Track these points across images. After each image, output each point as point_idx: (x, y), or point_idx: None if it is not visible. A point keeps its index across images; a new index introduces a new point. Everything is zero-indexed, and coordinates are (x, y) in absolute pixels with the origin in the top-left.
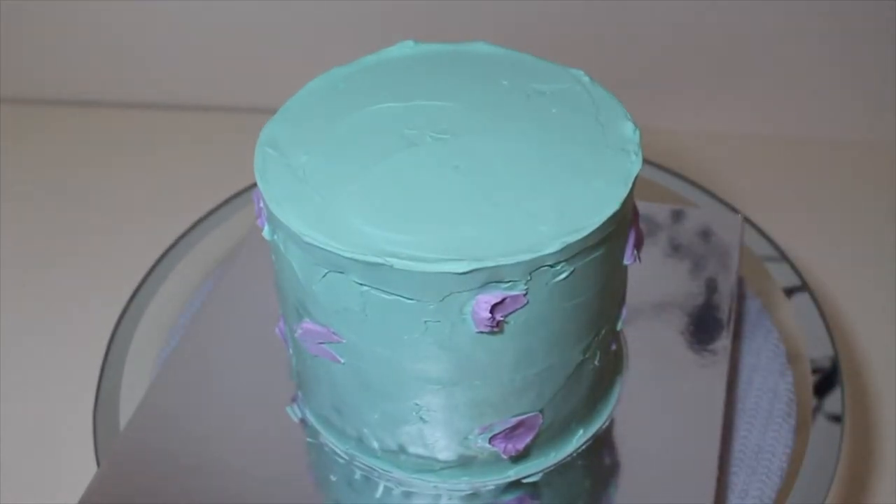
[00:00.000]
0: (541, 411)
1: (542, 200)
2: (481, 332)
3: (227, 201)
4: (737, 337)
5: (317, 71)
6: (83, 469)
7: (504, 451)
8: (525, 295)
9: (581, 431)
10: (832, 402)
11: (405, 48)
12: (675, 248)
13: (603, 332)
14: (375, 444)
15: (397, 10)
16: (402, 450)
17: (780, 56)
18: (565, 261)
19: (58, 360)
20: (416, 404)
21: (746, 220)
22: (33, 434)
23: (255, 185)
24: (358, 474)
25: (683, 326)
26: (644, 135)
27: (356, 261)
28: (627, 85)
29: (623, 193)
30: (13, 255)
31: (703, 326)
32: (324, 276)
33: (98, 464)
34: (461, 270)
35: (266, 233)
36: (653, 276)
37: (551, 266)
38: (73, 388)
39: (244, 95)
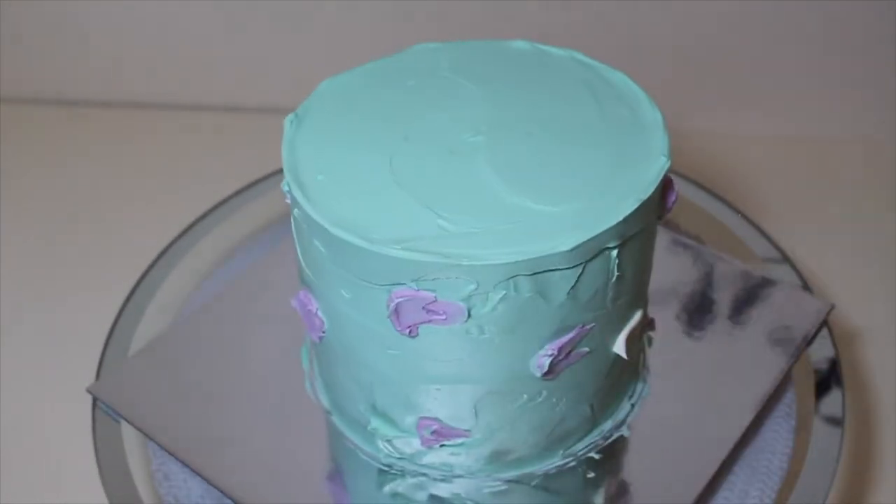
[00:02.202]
0: None
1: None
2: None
3: (225, 201)
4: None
5: (318, 71)
6: (83, 469)
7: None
8: None
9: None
10: (832, 402)
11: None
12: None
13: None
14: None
15: (403, 10)
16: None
17: (780, 56)
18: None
19: (57, 360)
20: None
21: (746, 219)
22: (33, 434)
23: (252, 185)
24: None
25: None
26: None
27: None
28: None
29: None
30: (12, 255)
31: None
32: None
33: (98, 464)
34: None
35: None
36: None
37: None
38: (73, 388)
39: (244, 95)
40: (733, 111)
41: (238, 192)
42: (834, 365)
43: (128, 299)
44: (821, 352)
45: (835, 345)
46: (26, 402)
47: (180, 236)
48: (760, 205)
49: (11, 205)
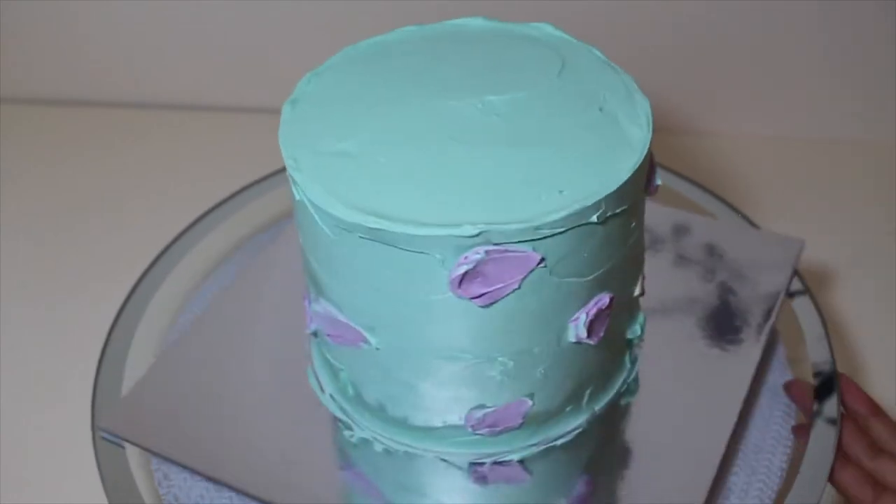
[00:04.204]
0: None
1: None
2: None
3: (225, 201)
4: None
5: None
6: (83, 469)
7: None
8: None
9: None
10: (831, 404)
11: (474, 21)
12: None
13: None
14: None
15: (399, 10)
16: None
17: (780, 56)
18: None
19: (57, 360)
20: None
21: (746, 219)
22: (33, 434)
23: (252, 185)
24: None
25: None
26: None
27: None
28: None
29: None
30: (12, 255)
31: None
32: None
33: (98, 464)
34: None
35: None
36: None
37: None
38: (73, 388)
39: (244, 95)
40: (733, 111)
41: (238, 193)
42: (831, 368)
43: (128, 299)
44: (820, 353)
45: (831, 346)
46: (26, 402)
47: (180, 236)
48: (761, 205)
49: (11, 205)
